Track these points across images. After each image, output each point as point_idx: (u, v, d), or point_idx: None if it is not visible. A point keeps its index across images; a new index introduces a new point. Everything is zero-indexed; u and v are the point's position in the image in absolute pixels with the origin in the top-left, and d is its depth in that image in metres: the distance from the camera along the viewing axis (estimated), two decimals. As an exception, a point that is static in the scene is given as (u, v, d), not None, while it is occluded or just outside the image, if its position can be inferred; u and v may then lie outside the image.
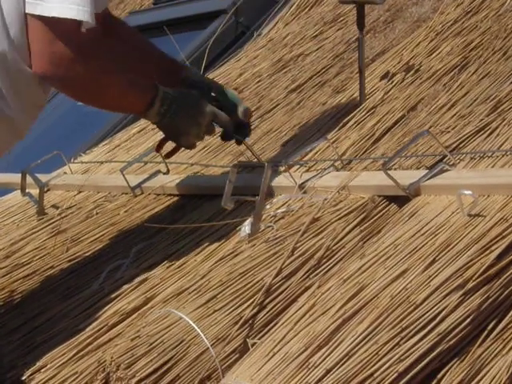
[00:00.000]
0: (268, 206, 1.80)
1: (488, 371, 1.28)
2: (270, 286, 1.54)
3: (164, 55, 2.04)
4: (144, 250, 1.90)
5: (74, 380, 1.55)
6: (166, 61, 2.03)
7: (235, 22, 3.63)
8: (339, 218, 1.69)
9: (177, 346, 1.48)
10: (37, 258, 2.06)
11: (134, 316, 1.61)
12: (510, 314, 1.35)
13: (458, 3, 2.48)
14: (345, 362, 1.28)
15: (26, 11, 1.62)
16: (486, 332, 1.33)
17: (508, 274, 1.38)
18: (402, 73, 2.28)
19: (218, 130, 1.96)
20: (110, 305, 1.69)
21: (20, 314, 1.81)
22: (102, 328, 1.59)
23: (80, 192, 2.46)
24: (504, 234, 1.42)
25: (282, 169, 1.98)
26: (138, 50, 2.01)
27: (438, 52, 2.30)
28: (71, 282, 1.89)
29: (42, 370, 1.58)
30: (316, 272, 1.58)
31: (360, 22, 2.28)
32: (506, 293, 1.37)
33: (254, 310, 1.51)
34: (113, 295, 1.73)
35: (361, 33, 2.28)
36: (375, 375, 1.26)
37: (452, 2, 2.54)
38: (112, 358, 1.46)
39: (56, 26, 1.62)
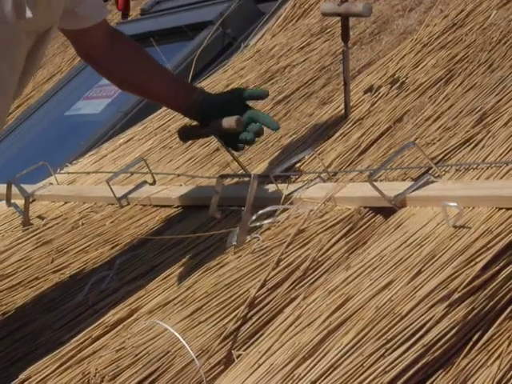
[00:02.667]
0: (254, 217, 1.80)
1: (473, 382, 1.28)
2: (255, 297, 1.54)
3: (172, 76, 2.06)
4: (129, 261, 1.90)
5: (58, 392, 1.54)
6: (175, 82, 2.03)
7: (222, 33, 3.64)
8: (325, 230, 1.69)
9: (162, 358, 1.47)
10: (21, 268, 2.05)
11: (118, 328, 1.60)
12: (494, 326, 1.35)
13: (444, 16, 2.50)
14: (330, 374, 1.28)
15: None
16: (471, 343, 1.33)
17: (493, 285, 1.39)
18: (387, 85, 2.29)
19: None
20: (94, 317, 1.68)
21: (3, 325, 1.80)
22: (86, 340, 1.58)
23: (66, 203, 2.45)
24: (489, 246, 1.43)
25: (268, 180, 1.99)
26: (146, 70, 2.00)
27: (423, 64, 2.31)
28: (55, 294, 1.88)
29: (26, 383, 1.57)
30: (301, 283, 1.58)
31: (345, 35, 2.28)
32: (490, 304, 1.37)
33: (240, 322, 1.50)
34: (97, 307, 1.72)
35: (345, 45, 2.28)
36: (360, 387, 1.26)
37: (438, 15, 2.55)
38: (96, 369, 1.45)
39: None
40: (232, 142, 1.97)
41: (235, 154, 2.07)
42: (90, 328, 1.62)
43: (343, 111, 2.25)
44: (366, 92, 2.32)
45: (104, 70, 1.97)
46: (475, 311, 1.36)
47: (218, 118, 1.91)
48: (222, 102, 1.96)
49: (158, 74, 1.99)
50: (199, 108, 1.95)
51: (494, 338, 1.34)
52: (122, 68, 1.94)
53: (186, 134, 2.04)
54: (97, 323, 1.63)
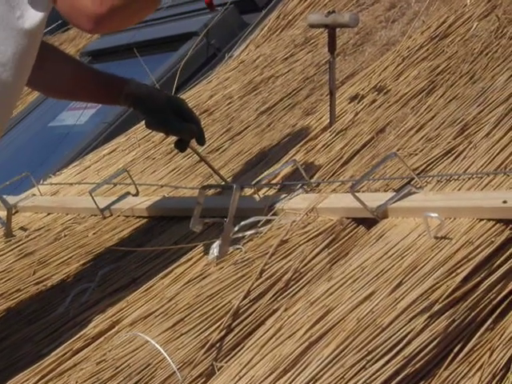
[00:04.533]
0: (236, 228, 1.80)
1: (455, 394, 1.28)
2: (237, 308, 1.53)
3: (100, 71, 2.02)
4: (110, 273, 1.89)
5: (38, 406, 1.52)
6: (102, 75, 2.00)
7: (207, 43, 3.65)
8: (307, 240, 1.69)
9: (143, 370, 1.46)
10: (3, 280, 2.04)
11: (99, 340, 1.59)
12: (475, 337, 1.36)
13: (426, 28, 2.51)
14: (311, 386, 1.28)
15: None
16: (452, 355, 1.33)
17: (474, 296, 1.39)
18: (370, 96, 2.30)
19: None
20: (75, 329, 1.67)
21: (-16, 338, 1.79)
22: (67, 353, 1.57)
23: (49, 214, 2.44)
24: (469, 257, 1.43)
25: (251, 190, 1.99)
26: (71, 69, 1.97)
27: (405, 75, 2.32)
28: (37, 306, 1.87)
29: (6, 396, 1.56)
30: (284, 295, 1.57)
31: (331, 45, 2.29)
32: (471, 315, 1.38)
33: (221, 334, 1.49)
34: (78, 319, 1.71)
35: (332, 56, 2.29)
36: (341, 399, 1.26)
37: (420, 26, 2.57)
38: (77, 382, 1.44)
39: None
40: (182, 147, 2.00)
41: (215, 167, 2.08)
42: (70, 340, 1.61)
43: (327, 121, 2.26)
44: (350, 101, 2.32)
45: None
46: (456, 322, 1.36)
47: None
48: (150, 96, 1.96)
49: (83, 79, 1.97)
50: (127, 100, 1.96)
51: (475, 349, 1.35)
52: (45, 79, 1.92)
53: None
54: (78, 335, 1.62)
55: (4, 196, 2.46)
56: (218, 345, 1.48)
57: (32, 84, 1.81)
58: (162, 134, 2.70)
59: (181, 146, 1.98)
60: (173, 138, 1.98)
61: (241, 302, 1.54)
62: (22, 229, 2.37)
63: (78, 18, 1.57)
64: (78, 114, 3.64)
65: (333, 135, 2.17)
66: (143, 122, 2.90)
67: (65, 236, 2.21)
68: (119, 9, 1.57)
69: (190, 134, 1.96)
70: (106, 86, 1.98)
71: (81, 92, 2.02)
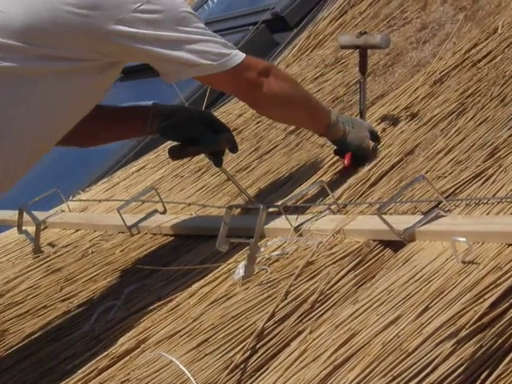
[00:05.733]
0: (262, 249, 1.80)
1: (481, 422, 1.26)
2: (262, 330, 1.52)
3: (118, 106, 2.09)
4: (136, 291, 1.89)
5: (62, 423, 1.53)
6: (123, 109, 2.07)
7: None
8: (334, 262, 1.68)
9: (167, 390, 1.46)
10: (30, 297, 2.05)
11: (125, 359, 1.59)
12: (503, 364, 1.33)
13: (457, 49, 2.50)
14: (335, 411, 1.27)
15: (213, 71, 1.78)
16: (479, 381, 1.31)
17: (501, 322, 1.37)
18: (399, 117, 2.29)
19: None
20: (99, 347, 1.67)
21: (10, 354, 1.80)
22: (93, 371, 1.58)
23: (77, 230, 2.45)
24: (498, 283, 1.41)
25: (277, 211, 1.98)
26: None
27: (435, 97, 2.31)
28: (63, 323, 1.88)
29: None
30: (309, 317, 1.56)
31: (363, 66, 2.29)
32: (499, 342, 1.35)
33: (246, 355, 1.48)
34: (103, 337, 1.71)
35: (363, 76, 2.29)
36: (366, 424, 1.24)
37: (451, 48, 2.55)
38: (101, 401, 1.45)
39: (239, 71, 1.82)
40: (218, 159, 2.05)
41: (242, 186, 2.09)
42: (96, 359, 1.61)
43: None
44: (379, 122, 2.31)
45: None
46: (483, 349, 1.34)
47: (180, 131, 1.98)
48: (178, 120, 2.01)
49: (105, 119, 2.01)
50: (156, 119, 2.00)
51: (503, 376, 1.32)
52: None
53: (175, 153, 2.04)
54: (103, 354, 1.62)
55: (33, 212, 2.48)
56: (242, 366, 1.47)
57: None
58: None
59: (217, 158, 2.01)
60: (201, 156, 2.00)
61: (266, 324, 1.53)
62: (51, 245, 2.38)
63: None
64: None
65: (361, 156, 2.16)
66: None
67: (92, 253, 2.22)
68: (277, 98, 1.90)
69: (227, 142, 1.99)
70: (130, 114, 2.04)
71: (107, 131, 2.07)
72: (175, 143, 2.05)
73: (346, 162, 2.09)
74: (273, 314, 1.56)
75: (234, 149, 2.04)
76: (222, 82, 1.88)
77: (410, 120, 2.26)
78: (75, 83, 1.70)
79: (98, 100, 1.81)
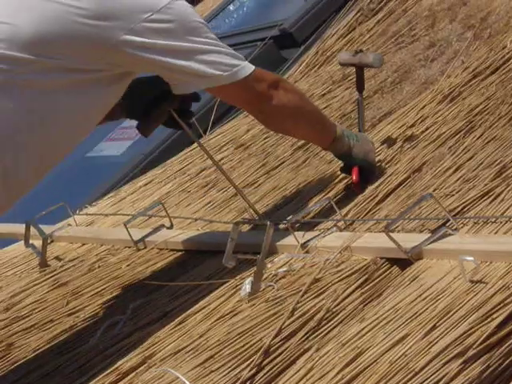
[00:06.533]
0: (269, 265, 1.79)
1: None
2: (268, 347, 1.52)
3: None
4: (142, 306, 1.89)
5: None
6: None
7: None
8: (340, 280, 1.68)
9: (172, 407, 1.46)
10: (36, 310, 2.05)
11: (131, 375, 1.58)
12: (511, 384, 1.33)
13: (465, 67, 2.50)
14: (341, 430, 1.26)
15: (220, 83, 1.78)
16: (486, 402, 1.31)
17: (509, 343, 1.36)
18: (407, 134, 2.29)
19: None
20: (105, 362, 1.67)
21: (16, 368, 1.80)
22: (99, 387, 1.58)
23: (84, 244, 2.45)
24: (506, 302, 1.40)
25: (284, 227, 1.98)
26: None
27: (443, 115, 2.31)
28: (69, 337, 1.88)
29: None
30: (315, 334, 1.55)
31: (359, 84, 2.30)
32: (507, 362, 1.35)
33: (252, 372, 1.48)
34: (108, 352, 1.71)
35: (360, 95, 2.30)
36: None
37: (459, 66, 2.56)
38: (107, 417, 1.44)
39: (249, 82, 1.82)
40: (187, 114, 2.01)
41: (250, 201, 2.08)
42: (102, 375, 1.61)
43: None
44: (386, 140, 2.32)
45: None
46: (491, 369, 1.33)
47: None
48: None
49: None
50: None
51: (510, 396, 1.32)
52: None
53: (144, 127, 1.98)
54: (109, 370, 1.62)
55: (40, 225, 2.48)
56: (248, 383, 1.47)
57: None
58: (197, 167, 2.72)
59: (185, 114, 1.98)
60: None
61: (272, 340, 1.53)
62: (57, 259, 2.39)
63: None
64: (116, 145, 3.67)
65: (368, 173, 2.16)
66: (180, 154, 2.96)
67: (99, 267, 2.22)
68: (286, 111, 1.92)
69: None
70: None
71: None
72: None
73: (354, 178, 2.09)
74: (279, 331, 1.55)
75: (196, 98, 1.99)
76: (232, 93, 1.87)
77: (418, 138, 2.26)
78: (87, 94, 1.69)
79: (108, 110, 1.80)
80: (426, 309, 1.46)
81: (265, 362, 1.50)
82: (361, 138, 2.11)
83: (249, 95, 1.86)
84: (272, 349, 1.52)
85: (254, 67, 1.83)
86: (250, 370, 1.48)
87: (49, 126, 1.66)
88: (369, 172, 2.11)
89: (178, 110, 1.96)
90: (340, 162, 2.17)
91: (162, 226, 2.32)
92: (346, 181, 2.18)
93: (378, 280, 1.67)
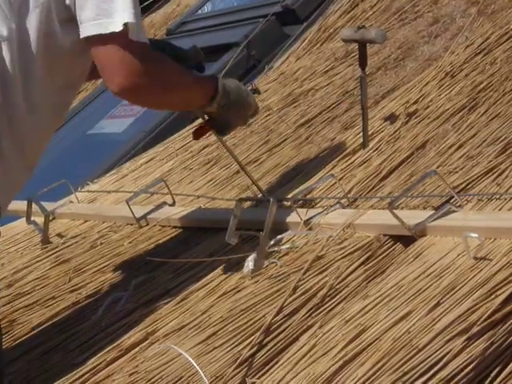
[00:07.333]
0: (272, 242, 1.79)
1: (491, 419, 1.25)
2: (271, 324, 1.52)
3: None
4: (144, 283, 1.88)
5: (69, 415, 1.52)
6: None
7: (247, 54, 3.65)
8: (343, 257, 1.68)
9: (175, 383, 1.46)
10: (39, 287, 2.04)
11: (133, 351, 1.58)
12: (514, 361, 1.33)
13: (469, 43, 2.48)
14: (344, 406, 1.26)
15: (88, 34, 1.56)
16: (489, 378, 1.30)
17: (513, 319, 1.36)
18: (410, 111, 2.28)
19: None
20: (107, 339, 1.67)
21: (19, 344, 1.80)
22: (101, 363, 1.57)
23: (86, 221, 2.45)
24: (510, 279, 1.40)
25: (287, 204, 1.97)
26: None
27: (447, 92, 2.29)
28: (71, 314, 1.87)
29: (40, 404, 1.56)
30: (318, 311, 1.55)
31: (362, 61, 2.28)
32: (510, 339, 1.34)
33: (254, 349, 1.48)
34: (110, 330, 1.71)
35: (363, 71, 2.27)
36: (375, 420, 1.24)
37: (463, 42, 2.54)
38: (109, 393, 1.44)
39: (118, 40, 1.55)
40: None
41: (254, 178, 2.06)
42: (104, 351, 1.61)
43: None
44: (389, 117, 2.30)
45: None
46: (495, 345, 1.33)
47: None
48: None
49: None
50: None
51: (514, 373, 1.32)
52: None
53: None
54: (111, 346, 1.62)
55: (42, 202, 2.47)
56: (250, 360, 1.47)
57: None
58: (200, 144, 2.71)
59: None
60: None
61: (275, 318, 1.53)
62: (59, 236, 2.38)
63: (107, 80, 1.59)
64: (118, 123, 3.66)
65: (371, 151, 2.15)
66: (181, 131, 2.95)
67: (101, 244, 2.21)
68: (143, 87, 1.61)
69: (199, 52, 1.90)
70: None
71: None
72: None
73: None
74: (281, 309, 1.55)
75: (200, 68, 1.91)
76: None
77: (421, 114, 2.25)
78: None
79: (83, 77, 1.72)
80: (430, 286, 1.45)
81: (267, 339, 1.50)
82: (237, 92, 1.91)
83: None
84: (275, 326, 1.52)
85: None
86: (252, 347, 1.48)
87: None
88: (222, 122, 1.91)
89: None
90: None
91: (164, 203, 2.31)
92: (349, 158, 2.17)
93: (381, 257, 1.66)
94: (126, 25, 1.54)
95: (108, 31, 1.54)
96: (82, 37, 1.57)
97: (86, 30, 1.56)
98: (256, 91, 2.02)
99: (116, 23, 1.54)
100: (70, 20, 1.58)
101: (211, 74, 1.85)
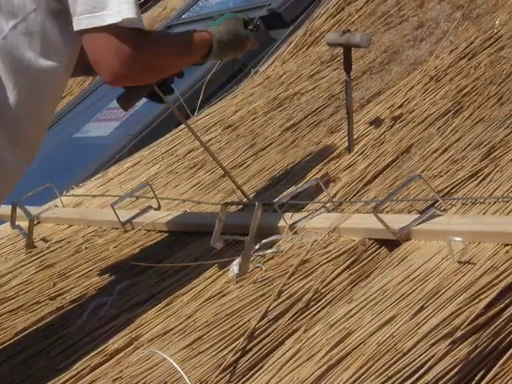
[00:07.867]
0: (257, 246, 1.79)
1: (475, 423, 1.26)
2: (255, 328, 1.51)
3: None
4: (129, 287, 1.88)
5: (53, 422, 1.52)
6: None
7: (232, 58, 3.64)
8: (328, 261, 1.68)
9: (159, 388, 1.45)
10: (23, 292, 2.03)
11: (118, 356, 1.58)
12: (498, 365, 1.33)
13: (454, 48, 2.49)
14: (329, 411, 1.26)
15: (83, 27, 1.57)
16: (474, 382, 1.31)
17: (497, 323, 1.36)
18: (395, 115, 2.28)
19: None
20: (91, 344, 1.66)
21: (2, 350, 1.79)
22: (85, 368, 1.56)
23: (70, 225, 2.44)
24: (494, 283, 1.40)
25: (272, 208, 1.97)
26: None
27: (432, 96, 2.30)
28: (55, 319, 1.86)
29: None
30: (303, 315, 1.55)
31: (347, 65, 2.28)
32: (494, 343, 1.35)
33: (239, 353, 1.47)
34: (95, 334, 1.70)
35: (348, 76, 2.28)
36: (359, 425, 1.24)
37: (448, 46, 2.54)
38: (93, 399, 1.44)
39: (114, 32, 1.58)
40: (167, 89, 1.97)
41: (238, 183, 2.06)
42: (88, 356, 1.60)
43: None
44: (375, 121, 2.31)
45: None
46: (478, 349, 1.33)
47: None
48: None
49: None
50: None
51: (498, 376, 1.32)
52: None
53: (123, 100, 1.94)
54: (96, 351, 1.61)
55: (26, 206, 2.46)
56: (235, 365, 1.46)
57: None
58: (186, 147, 2.71)
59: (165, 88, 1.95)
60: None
61: (259, 322, 1.52)
62: (44, 240, 2.37)
63: (100, 69, 1.61)
64: (103, 126, 3.65)
65: (356, 155, 2.15)
66: (167, 135, 2.94)
67: (86, 248, 2.21)
68: (138, 71, 1.65)
69: None
70: None
71: None
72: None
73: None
74: (266, 313, 1.55)
75: (179, 74, 1.95)
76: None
77: (406, 118, 2.25)
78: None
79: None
80: (414, 290, 1.45)
81: (252, 344, 1.50)
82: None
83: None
84: (260, 330, 1.52)
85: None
86: (237, 352, 1.47)
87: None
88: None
89: (160, 85, 1.93)
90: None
91: (150, 207, 2.31)
92: (334, 162, 2.18)
93: (366, 261, 1.66)
94: (120, 15, 1.56)
95: (105, 23, 1.56)
96: (76, 29, 1.58)
97: (81, 23, 1.57)
98: (257, 28, 2.04)
99: (111, 15, 1.57)
100: (60, 10, 1.59)
101: (204, 30, 1.88)
